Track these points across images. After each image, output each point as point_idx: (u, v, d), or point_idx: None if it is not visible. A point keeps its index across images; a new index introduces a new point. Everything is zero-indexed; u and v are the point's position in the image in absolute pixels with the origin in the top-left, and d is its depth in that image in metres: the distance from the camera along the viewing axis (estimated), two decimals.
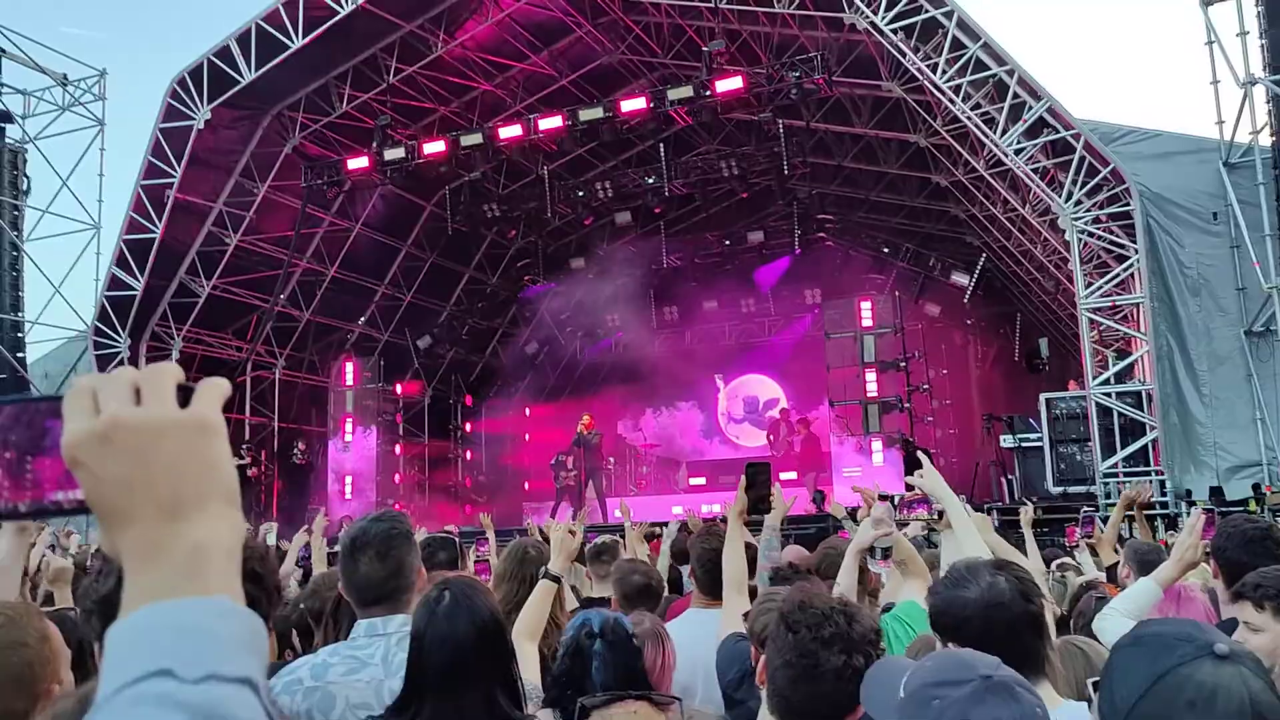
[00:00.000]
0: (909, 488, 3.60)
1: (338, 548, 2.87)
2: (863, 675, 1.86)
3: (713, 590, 3.52)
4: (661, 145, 17.51)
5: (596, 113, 15.12)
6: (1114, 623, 3.00)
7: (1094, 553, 6.29)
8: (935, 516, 3.73)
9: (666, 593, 4.93)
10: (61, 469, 0.73)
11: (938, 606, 2.13)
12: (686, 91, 14.39)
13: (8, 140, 17.60)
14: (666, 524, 7.66)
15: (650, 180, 17.81)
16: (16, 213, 17.39)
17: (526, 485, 22.79)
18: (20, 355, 17.12)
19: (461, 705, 2.08)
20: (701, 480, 21.60)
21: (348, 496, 18.60)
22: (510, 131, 15.51)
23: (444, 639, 2.12)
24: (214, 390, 0.76)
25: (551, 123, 15.23)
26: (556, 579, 3.33)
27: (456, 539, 3.77)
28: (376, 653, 2.45)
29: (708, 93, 14.17)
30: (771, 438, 19.26)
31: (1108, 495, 11.81)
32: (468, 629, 2.12)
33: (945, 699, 1.44)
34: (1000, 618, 2.00)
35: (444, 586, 2.23)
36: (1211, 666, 1.27)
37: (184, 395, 0.75)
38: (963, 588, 2.08)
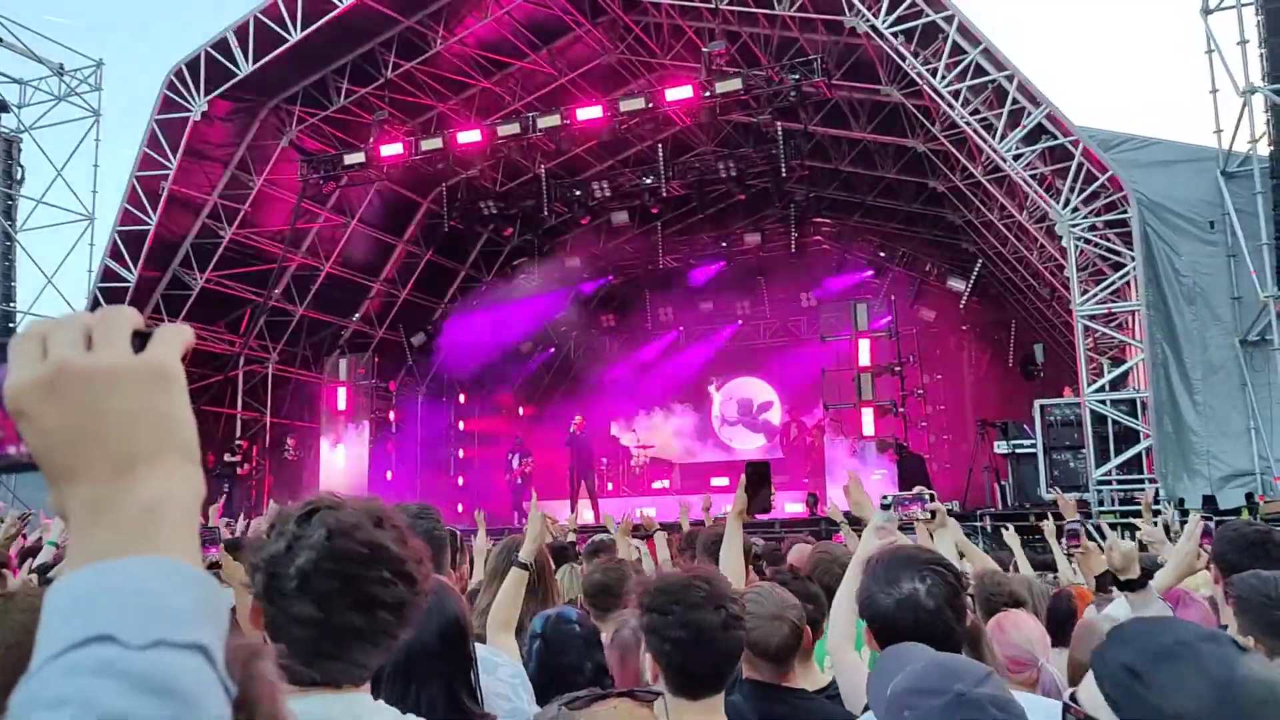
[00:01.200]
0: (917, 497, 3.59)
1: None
2: (740, 622, 2.08)
3: None
4: (659, 146, 17.50)
5: (595, 112, 15.10)
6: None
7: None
8: (928, 516, 3.72)
9: None
10: (10, 420, 0.66)
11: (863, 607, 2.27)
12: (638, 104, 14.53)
13: (2, 129, 17.50)
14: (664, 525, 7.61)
15: (648, 180, 17.79)
16: (10, 202, 17.29)
17: (519, 483, 22.72)
18: None
19: (417, 699, 2.05)
20: (694, 482, 21.56)
21: (339, 493, 18.49)
22: (508, 130, 15.49)
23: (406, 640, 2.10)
24: (174, 336, 0.69)
25: (550, 121, 15.21)
26: (525, 566, 3.29)
27: (457, 532, 3.72)
28: None
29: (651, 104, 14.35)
30: (783, 441, 19.44)
31: (1101, 502, 11.81)
32: (431, 628, 2.08)
33: (916, 710, 1.47)
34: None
35: None
36: (1254, 662, 1.24)
37: (141, 341, 0.68)
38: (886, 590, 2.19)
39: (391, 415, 20.26)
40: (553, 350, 24.29)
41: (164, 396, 0.67)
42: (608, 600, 3.59)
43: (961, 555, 4.27)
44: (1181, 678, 1.22)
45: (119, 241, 16.15)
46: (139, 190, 15.83)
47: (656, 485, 21.19)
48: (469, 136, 15.66)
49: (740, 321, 23.77)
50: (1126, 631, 1.37)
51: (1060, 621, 3.61)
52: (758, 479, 3.41)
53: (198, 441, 0.69)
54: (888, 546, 2.76)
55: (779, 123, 15.92)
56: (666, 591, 2.15)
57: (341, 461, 19.01)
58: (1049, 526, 5.94)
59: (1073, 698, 1.40)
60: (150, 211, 15.84)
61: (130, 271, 16.10)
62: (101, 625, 0.58)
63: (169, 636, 0.58)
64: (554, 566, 4.05)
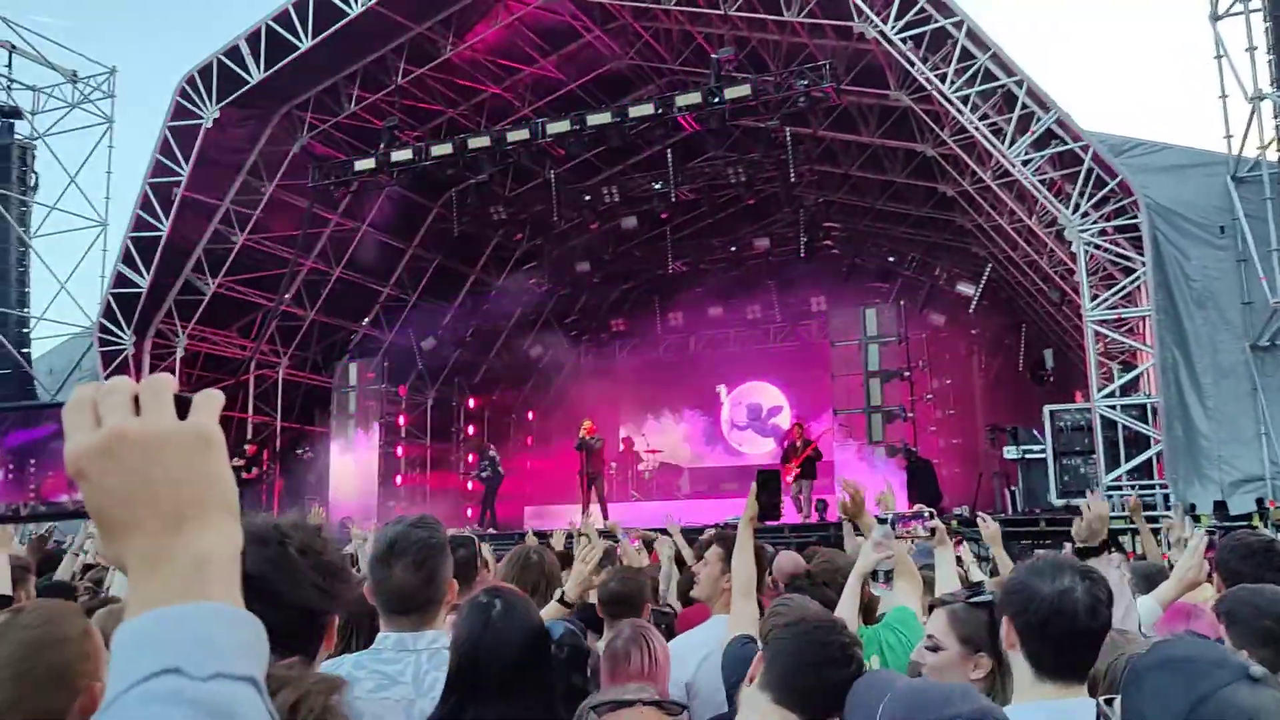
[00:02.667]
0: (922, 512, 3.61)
1: (353, 549, 2.83)
2: (859, 668, 2.03)
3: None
4: (668, 151, 17.53)
5: (604, 118, 15.14)
6: None
7: None
8: (928, 534, 3.74)
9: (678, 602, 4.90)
10: (63, 474, 0.74)
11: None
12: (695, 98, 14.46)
13: (16, 136, 17.66)
14: (665, 531, 7.62)
15: (657, 185, 17.82)
16: (24, 209, 17.44)
17: (528, 489, 22.79)
18: (25, 351, 17.15)
19: (514, 714, 2.05)
20: (704, 487, 21.58)
21: (349, 497, 18.59)
22: (518, 135, 15.55)
23: (499, 646, 2.07)
24: (212, 402, 0.77)
25: (560, 127, 15.25)
26: (569, 605, 3.31)
27: (474, 538, 3.72)
28: (407, 670, 2.34)
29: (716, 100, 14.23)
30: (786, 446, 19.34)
31: (1112, 508, 11.77)
32: (521, 637, 2.09)
33: None
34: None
35: (495, 594, 2.19)
36: (1248, 690, 1.24)
37: (180, 406, 0.75)
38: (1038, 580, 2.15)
39: (401, 419, 20.32)
40: (562, 354, 24.32)
41: (208, 458, 0.75)
42: (625, 610, 3.56)
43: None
44: (1166, 689, 1.25)
45: (132, 247, 16.26)
46: (151, 196, 15.94)
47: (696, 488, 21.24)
48: (479, 142, 15.72)
49: (749, 326, 23.77)
50: (1166, 642, 1.41)
51: None
52: (767, 486, 3.43)
53: (237, 496, 0.77)
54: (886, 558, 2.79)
55: (788, 128, 15.94)
56: (808, 619, 2.19)
57: (351, 465, 19.08)
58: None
59: (1108, 702, 1.44)
60: (163, 217, 15.94)
61: (143, 277, 16.21)
62: (169, 660, 0.66)
63: (226, 670, 0.67)
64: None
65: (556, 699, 2.12)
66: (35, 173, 17.82)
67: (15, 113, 17.75)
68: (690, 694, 3.20)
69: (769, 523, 3.58)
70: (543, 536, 8.16)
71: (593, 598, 3.75)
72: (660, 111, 14.76)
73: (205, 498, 0.74)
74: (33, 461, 0.77)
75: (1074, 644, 2.03)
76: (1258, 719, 1.21)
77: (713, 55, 14.70)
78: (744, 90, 14.20)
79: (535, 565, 3.88)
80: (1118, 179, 12.18)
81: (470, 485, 20.42)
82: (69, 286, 17.74)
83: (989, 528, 4.71)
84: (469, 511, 19.70)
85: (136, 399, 0.74)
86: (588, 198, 18.55)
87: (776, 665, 2.11)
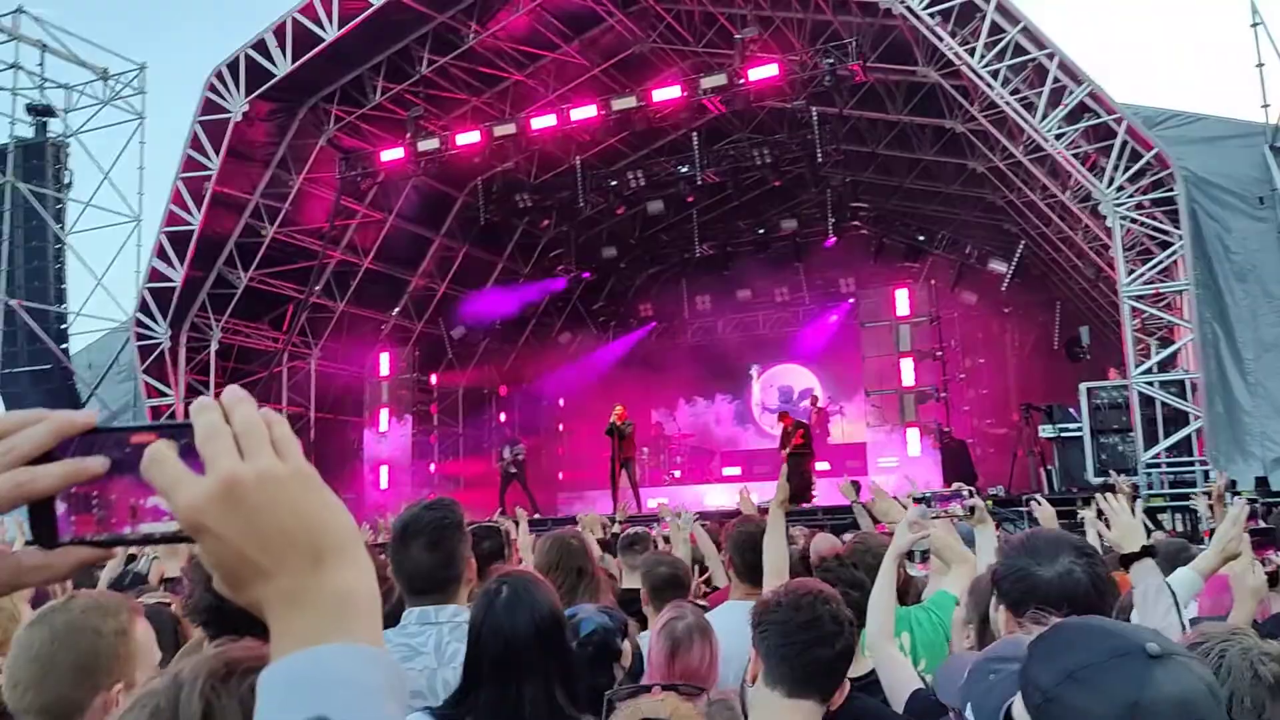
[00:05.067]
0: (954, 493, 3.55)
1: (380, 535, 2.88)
2: (851, 628, 2.13)
3: (752, 578, 3.48)
4: (694, 134, 17.44)
5: (629, 102, 15.09)
6: None
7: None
8: (967, 513, 3.67)
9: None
10: (126, 502, 0.72)
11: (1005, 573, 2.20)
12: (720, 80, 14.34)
13: (50, 134, 17.89)
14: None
15: (683, 169, 17.74)
16: (59, 206, 17.68)
17: (561, 475, 22.88)
18: (64, 346, 17.42)
19: (519, 698, 2.07)
20: (736, 470, 21.53)
21: (383, 486, 18.76)
22: (543, 122, 15.53)
23: (499, 631, 2.11)
24: (294, 439, 0.75)
25: (585, 112, 15.21)
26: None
27: (502, 528, 3.74)
28: (429, 641, 2.45)
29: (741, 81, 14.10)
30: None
31: (1150, 486, 11.61)
32: (526, 623, 2.11)
33: (1000, 672, 1.49)
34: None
35: (504, 580, 2.22)
36: (1166, 678, 1.15)
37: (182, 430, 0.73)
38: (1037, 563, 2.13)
39: (433, 408, 20.45)
40: (591, 340, 24.35)
41: (323, 493, 0.73)
42: (677, 594, 3.57)
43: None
44: (1086, 705, 1.18)
45: (165, 242, 16.44)
46: (183, 191, 16.10)
47: (728, 471, 21.19)
48: (504, 130, 15.73)
49: (778, 309, 23.65)
50: (1043, 646, 1.31)
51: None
52: (800, 469, 3.41)
53: (357, 527, 0.75)
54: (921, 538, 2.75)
55: (814, 107, 15.79)
56: (794, 599, 2.22)
57: (385, 454, 19.25)
58: (1089, 515, 5.72)
59: (1008, 713, 1.38)
60: (194, 212, 16.10)
61: (176, 271, 16.39)
62: (316, 708, 0.65)
63: (372, 715, 0.66)
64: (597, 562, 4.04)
65: (560, 684, 2.11)
66: (70, 170, 18.05)
67: (49, 111, 17.99)
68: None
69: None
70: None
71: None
72: (685, 94, 14.67)
73: (338, 531, 0.72)
74: (125, 487, 0.74)
75: None
76: (1186, 703, 1.13)
77: (736, 36, 14.58)
78: (769, 70, 14.08)
79: (577, 550, 3.87)
80: (1153, 151, 11.95)
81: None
82: (105, 282, 17.98)
83: (1044, 510, 4.60)
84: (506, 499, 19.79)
85: (238, 442, 0.71)
86: (613, 183, 18.51)
87: (774, 659, 2.13)
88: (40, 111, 17.86)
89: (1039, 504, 4.67)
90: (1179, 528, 11.32)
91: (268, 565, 0.69)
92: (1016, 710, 1.32)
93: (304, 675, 0.66)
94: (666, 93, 14.91)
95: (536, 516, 15.62)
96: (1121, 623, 1.38)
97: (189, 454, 0.71)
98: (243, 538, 0.69)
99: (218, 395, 0.74)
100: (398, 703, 0.69)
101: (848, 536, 4.55)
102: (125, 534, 0.74)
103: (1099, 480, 12.46)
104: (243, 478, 0.69)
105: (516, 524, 6.93)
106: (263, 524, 0.69)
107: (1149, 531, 2.97)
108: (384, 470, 19.09)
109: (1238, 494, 10.12)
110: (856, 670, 2.83)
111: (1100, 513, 3.00)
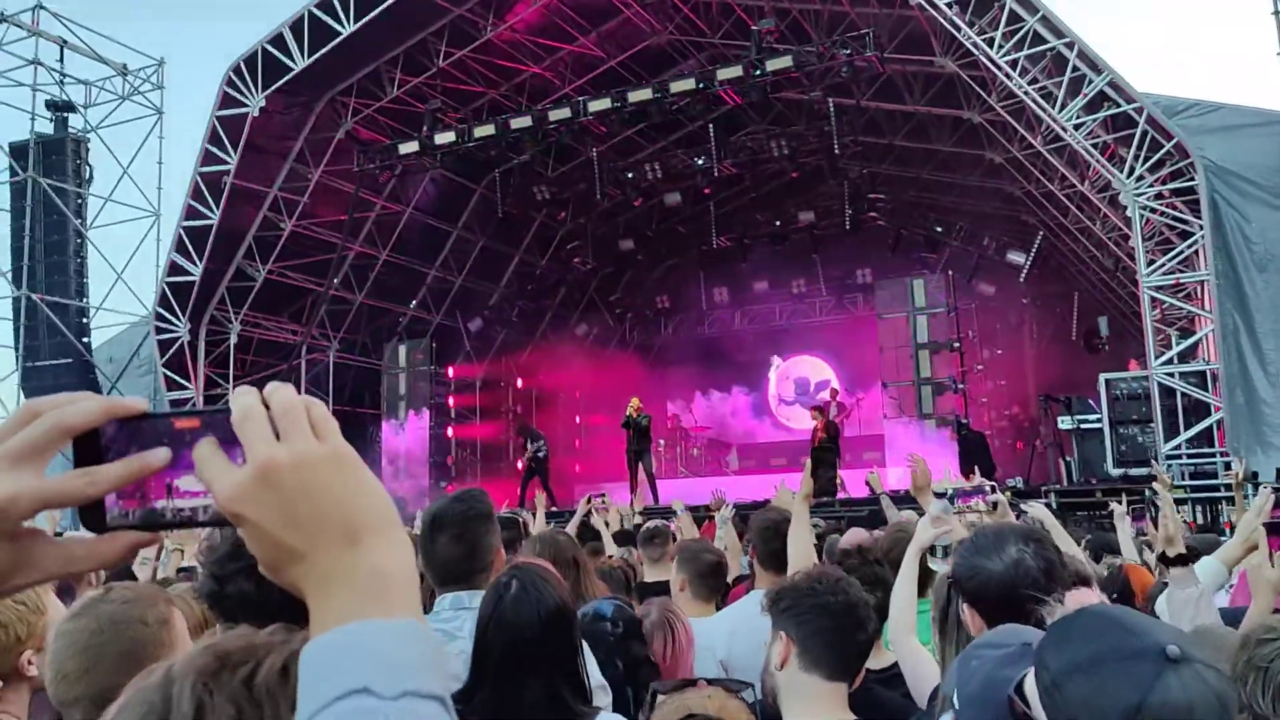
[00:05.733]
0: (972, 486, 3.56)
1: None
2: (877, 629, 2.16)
3: (776, 566, 3.49)
4: (711, 126, 17.40)
5: (645, 94, 15.07)
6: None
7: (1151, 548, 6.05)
8: (990, 508, 3.68)
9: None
10: (161, 479, 0.74)
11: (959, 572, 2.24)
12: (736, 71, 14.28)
13: (70, 130, 18.02)
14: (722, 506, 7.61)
15: (700, 161, 17.71)
16: (80, 201, 17.80)
17: (577, 467, 22.92)
18: (86, 340, 17.57)
19: (522, 693, 2.08)
20: (752, 462, 21.54)
21: (401, 478, 18.86)
22: (560, 114, 15.53)
23: (507, 626, 2.13)
24: (332, 420, 0.76)
25: (602, 104, 15.20)
26: None
27: (520, 519, 3.77)
28: (464, 626, 2.46)
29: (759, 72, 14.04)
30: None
31: (1171, 478, 11.54)
32: (532, 618, 2.12)
33: (983, 659, 1.53)
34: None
35: (515, 573, 2.23)
36: (1175, 683, 1.14)
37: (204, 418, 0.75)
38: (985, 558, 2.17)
39: (450, 400, 20.53)
40: (608, 333, 24.38)
41: (360, 473, 0.74)
42: (717, 580, 3.70)
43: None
44: (1089, 698, 1.18)
45: (184, 236, 16.55)
46: (202, 185, 16.20)
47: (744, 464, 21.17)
48: (521, 122, 15.75)
49: (795, 300, 23.60)
50: (1060, 630, 1.29)
51: (1119, 596, 3.59)
52: (823, 463, 3.42)
53: (395, 506, 0.76)
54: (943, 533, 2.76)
55: (831, 99, 15.73)
56: (823, 582, 2.28)
57: (403, 447, 19.34)
58: (1119, 509, 5.68)
59: (1019, 687, 1.38)
60: (213, 206, 16.20)
61: (196, 265, 16.51)
62: (358, 680, 0.65)
63: (415, 688, 0.66)
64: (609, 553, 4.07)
65: (565, 681, 2.12)
66: (89, 165, 18.17)
67: (69, 107, 18.11)
68: (727, 670, 3.23)
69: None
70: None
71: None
72: (701, 86, 14.65)
73: (376, 510, 0.73)
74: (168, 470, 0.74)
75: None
76: (1194, 709, 1.12)
77: (753, 27, 14.53)
78: (786, 62, 14.03)
79: (566, 545, 3.89)
80: (1173, 141, 11.85)
81: (520, 465, 20.50)
82: (125, 276, 18.12)
83: (1037, 510, 4.60)
84: (525, 491, 19.86)
85: (275, 426, 0.72)
86: (630, 175, 18.50)
87: (817, 642, 2.16)
88: (60, 107, 17.98)
89: (1033, 507, 4.71)
90: (1199, 520, 11.27)
91: (303, 547, 0.70)
92: (1029, 685, 1.33)
93: (343, 649, 0.67)
94: (683, 84, 14.88)
95: (553, 509, 15.70)
96: (1149, 619, 1.35)
97: (230, 441, 0.72)
98: (279, 521, 0.70)
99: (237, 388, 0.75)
100: (438, 676, 0.69)
101: (878, 532, 4.55)
102: (167, 516, 0.75)
103: (1118, 472, 12.42)
104: (279, 462, 0.70)
105: (534, 515, 6.99)
106: (298, 507, 0.70)
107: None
108: (402, 463, 19.18)
109: (1259, 485, 10.07)
110: (878, 662, 2.85)
111: (1130, 508, 3.01)
